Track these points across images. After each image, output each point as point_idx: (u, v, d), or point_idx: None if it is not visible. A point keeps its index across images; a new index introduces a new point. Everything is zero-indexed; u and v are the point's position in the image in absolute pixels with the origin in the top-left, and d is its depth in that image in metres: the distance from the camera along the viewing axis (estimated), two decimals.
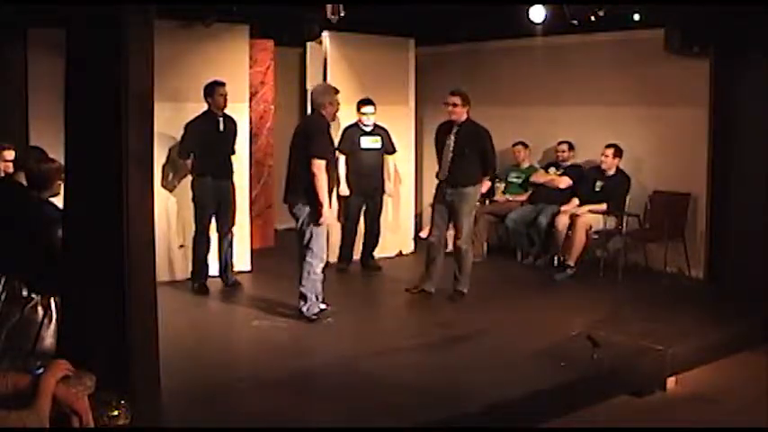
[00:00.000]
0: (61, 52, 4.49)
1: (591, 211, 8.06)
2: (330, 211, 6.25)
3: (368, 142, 8.05)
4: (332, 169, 6.29)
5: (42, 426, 2.81)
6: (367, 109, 7.99)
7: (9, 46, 7.39)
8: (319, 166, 6.07)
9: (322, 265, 6.28)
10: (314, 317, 6.29)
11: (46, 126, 6.75)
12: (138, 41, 4.20)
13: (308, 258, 6.23)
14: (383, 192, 8.27)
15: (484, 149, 6.91)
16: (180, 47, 7.29)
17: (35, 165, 4.97)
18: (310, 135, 6.21)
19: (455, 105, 6.84)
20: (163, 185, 7.42)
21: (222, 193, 7.21)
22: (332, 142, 6.43)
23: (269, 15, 7.76)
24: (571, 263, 7.93)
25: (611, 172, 8.16)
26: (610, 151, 8.12)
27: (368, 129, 8.05)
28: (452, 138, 6.90)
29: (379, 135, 8.12)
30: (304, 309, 6.29)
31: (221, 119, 7.19)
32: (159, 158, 6.82)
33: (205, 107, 7.14)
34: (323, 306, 6.45)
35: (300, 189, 6.19)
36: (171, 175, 7.56)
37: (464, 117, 6.89)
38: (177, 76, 7.24)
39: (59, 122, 4.51)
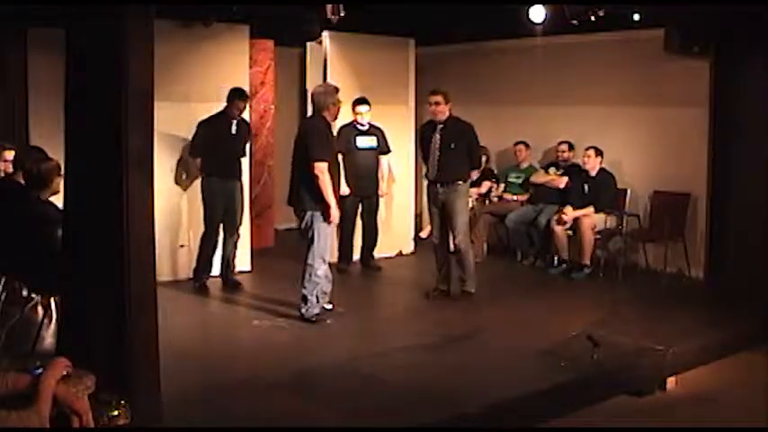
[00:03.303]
0: (61, 52, 4.48)
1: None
2: (338, 211, 6.23)
3: (364, 142, 8.03)
4: (335, 170, 6.29)
5: (42, 426, 2.81)
6: (362, 108, 7.97)
7: (9, 46, 7.39)
8: (321, 168, 6.08)
9: (324, 267, 6.28)
10: (314, 318, 6.29)
11: (46, 126, 6.75)
12: (138, 41, 4.19)
13: (308, 261, 6.23)
14: (378, 191, 8.27)
15: (471, 145, 6.97)
16: (180, 47, 7.30)
17: (33, 165, 4.97)
18: (311, 138, 6.20)
19: (437, 104, 6.87)
20: (177, 182, 7.52)
21: (229, 193, 7.22)
22: (333, 144, 6.42)
23: (269, 15, 7.75)
24: (587, 262, 8.00)
25: (595, 173, 8.21)
26: (591, 152, 8.21)
27: (363, 128, 8.04)
28: (438, 135, 6.92)
29: (374, 135, 8.11)
30: (303, 310, 6.29)
31: (234, 121, 7.21)
32: (159, 158, 6.79)
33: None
34: (328, 306, 6.46)
35: (304, 192, 6.19)
36: (184, 175, 7.58)
37: (446, 115, 6.93)
38: (177, 76, 7.25)
39: (59, 122, 4.51)
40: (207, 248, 7.27)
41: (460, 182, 6.92)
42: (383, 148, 8.19)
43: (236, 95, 7.16)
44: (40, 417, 2.82)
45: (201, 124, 7.17)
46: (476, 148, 7.05)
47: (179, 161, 7.50)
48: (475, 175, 7.51)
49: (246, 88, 8.00)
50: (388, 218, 8.84)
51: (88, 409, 3.07)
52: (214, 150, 7.17)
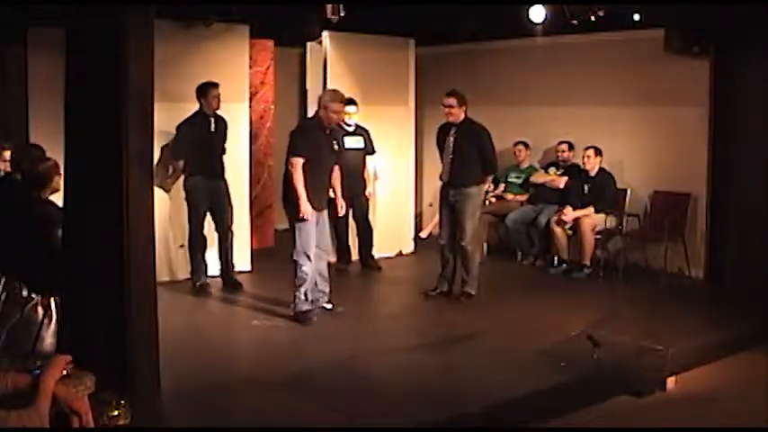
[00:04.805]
0: (61, 52, 4.49)
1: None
2: (308, 205, 6.16)
3: (351, 142, 7.97)
4: (319, 169, 6.27)
5: (42, 426, 2.81)
6: (350, 108, 7.86)
7: (9, 46, 7.40)
8: (293, 163, 6.14)
9: (310, 263, 6.27)
10: (300, 315, 6.28)
11: (46, 126, 6.75)
12: (138, 41, 4.20)
13: (294, 257, 6.26)
14: (365, 192, 8.23)
15: (482, 149, 6.91)
16: (180, 47, 7.29)
17: (31, 165, 4.97)
18: (293, 135, 6.33)
19: (451, 107, 6.86)
20: (157, 185, 7.40)
21: (215, 192, 7.20)
22: (319, 143, 6.36)
23: (269, 15, 7.75)
24: (587, 262, 8.01)
25: (594, 173, 8.23)
26: (590, 152, 8.22)
27: (350, 129, 8.01)
28: (451, 138, 6.92)
29: (360, 135, 8.09)
30: (291, 307, 6.32)
31: (212, 119, 7.18)
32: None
33: None
34: (328, 306, 6.47)
35: (285, 188, 6.29)
36: (168, 176, 7.55)
37: (462, 117, 6.91)
38: (177, 76, 7.23)
39: (59, 122, 4.51)
40: (196, 248, 7.25)
41: (472, 185, 6.90)
42: (369, 149, 8.18)
43: (208, 86, 7.07)
44: (39, 416, 2.81)
45: (181, 126, 7.11)
46: (489, 154, 6.94)
47: (158, 163, 7.44)
48: (489, 179, 7.50)
49: (246, 88, 8.03)
50: (387, 218, 8.84)
51: (88, 409, 3.07)
52: (197, 150, 7.13)
